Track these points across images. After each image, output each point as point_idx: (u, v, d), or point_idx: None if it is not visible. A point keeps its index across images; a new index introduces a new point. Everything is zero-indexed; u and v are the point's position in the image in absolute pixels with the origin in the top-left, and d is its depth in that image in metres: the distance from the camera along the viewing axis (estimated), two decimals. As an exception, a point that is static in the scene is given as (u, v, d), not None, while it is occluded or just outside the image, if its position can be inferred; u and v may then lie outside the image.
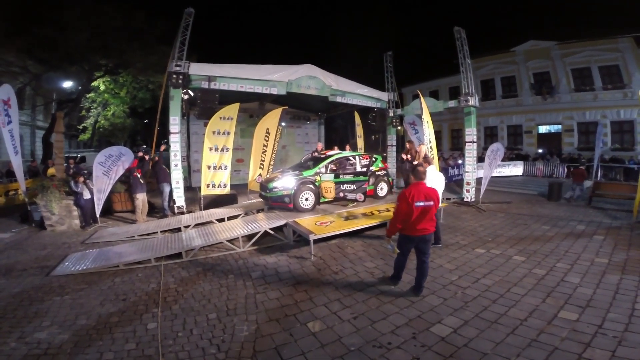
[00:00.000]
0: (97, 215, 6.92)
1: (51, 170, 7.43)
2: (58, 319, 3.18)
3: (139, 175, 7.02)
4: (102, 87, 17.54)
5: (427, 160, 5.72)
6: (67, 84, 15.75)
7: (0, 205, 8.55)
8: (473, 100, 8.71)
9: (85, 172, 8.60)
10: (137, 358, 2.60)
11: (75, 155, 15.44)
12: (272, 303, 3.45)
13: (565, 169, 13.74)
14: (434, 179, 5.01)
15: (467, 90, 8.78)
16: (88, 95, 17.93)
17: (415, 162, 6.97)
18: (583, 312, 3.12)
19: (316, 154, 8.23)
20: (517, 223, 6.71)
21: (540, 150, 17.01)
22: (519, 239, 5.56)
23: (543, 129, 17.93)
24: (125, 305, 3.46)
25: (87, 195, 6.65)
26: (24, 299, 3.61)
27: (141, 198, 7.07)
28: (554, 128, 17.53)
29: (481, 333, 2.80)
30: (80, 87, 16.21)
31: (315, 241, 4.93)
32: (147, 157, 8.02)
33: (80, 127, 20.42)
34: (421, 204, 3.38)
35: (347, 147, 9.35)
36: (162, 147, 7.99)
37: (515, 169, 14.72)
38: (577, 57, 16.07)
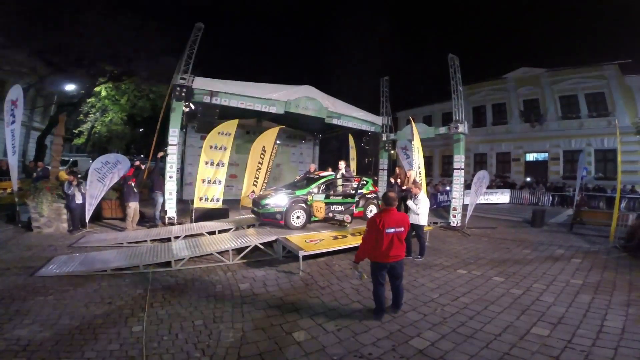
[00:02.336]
0: (87, 221, 6.90)
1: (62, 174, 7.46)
2: (40, 318, 3.16)
3: (133, 184, 7.06)
4: (103, 93, 17.68)
5: (416, 186, 5.99)
6: (70, 87, 15.83)
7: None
8: (462, 127, 9.03)
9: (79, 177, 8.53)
10: (120, 358, 2.62)
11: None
12: (258, 313, 3.50)
13: (550, 197, 14.20)
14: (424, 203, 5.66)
15: (457, 117, 9.09)
16: (88, 100, 18.01)
17: (404, 187, 7.21)
18: (554, 328, 3.27)
19: (309, 175, 8.38)
20: (500, 247, 6.92)
21: (528, 179, 17.41)
22: (500, 262, 5.73)
23: (530, 156, 18.17)
24: (111, 308, 3.47)
25: (79, 199, 6.66)
26: (5, 297, 3.57)
27: (133, 207, 7.09)
28: (541, 156, 17.77)
29: (457, 346, 2.91)
30: (82, 91, 16.32)
31: (304, 258, 5.03)
32: (143, 167, 8.08)
33: (76, 132, 20.36)
34: (392, 230, 3.28)
35: (341, 162, 8.12)
36: (160, 154, 7.84)
37: (503, 197, 15.09)
38: (565, 85, 16.40)
